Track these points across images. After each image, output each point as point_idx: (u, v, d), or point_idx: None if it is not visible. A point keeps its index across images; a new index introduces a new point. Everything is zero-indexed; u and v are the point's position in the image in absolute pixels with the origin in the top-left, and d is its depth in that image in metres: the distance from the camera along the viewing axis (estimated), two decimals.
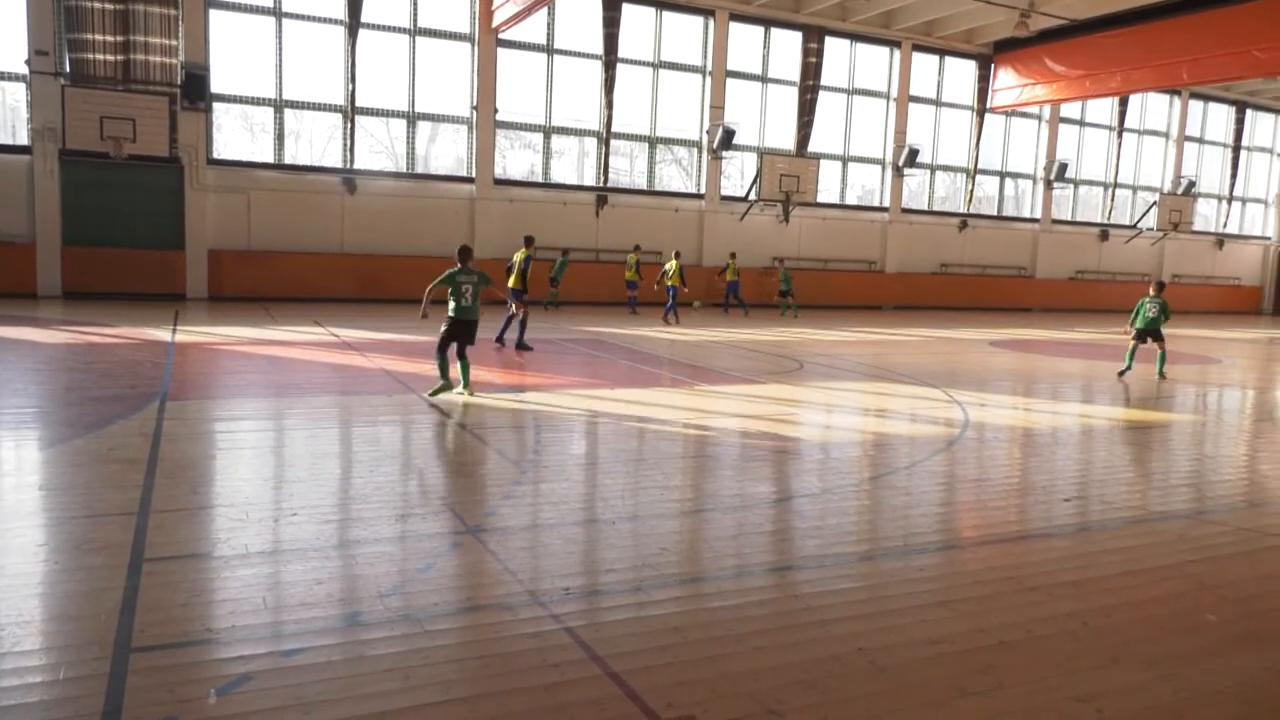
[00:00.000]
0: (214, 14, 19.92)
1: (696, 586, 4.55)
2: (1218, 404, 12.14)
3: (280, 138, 21.05)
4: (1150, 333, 13.55)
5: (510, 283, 13.84)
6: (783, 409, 9.92)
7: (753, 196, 25.24)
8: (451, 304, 9.38)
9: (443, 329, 9.44)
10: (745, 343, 16.39)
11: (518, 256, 13.98)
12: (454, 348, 9.45)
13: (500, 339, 14.13)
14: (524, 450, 7.30)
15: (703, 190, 25.27)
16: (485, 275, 9.62)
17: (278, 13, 20.38)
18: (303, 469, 6.65)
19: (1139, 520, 6.05)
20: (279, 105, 20.85)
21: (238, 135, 21.46)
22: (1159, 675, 3.71)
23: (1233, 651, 3.98)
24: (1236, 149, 33.73)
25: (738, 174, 26.34)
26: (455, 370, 9.55)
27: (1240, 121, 33.54)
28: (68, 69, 18.67)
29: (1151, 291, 13.95)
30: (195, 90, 19.40)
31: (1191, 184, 32.71)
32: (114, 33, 18.80)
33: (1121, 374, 13.60)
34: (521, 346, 13.72)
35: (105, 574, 4.32)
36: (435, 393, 9.29)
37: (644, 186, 24.95)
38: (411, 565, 4.62)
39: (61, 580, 4.29)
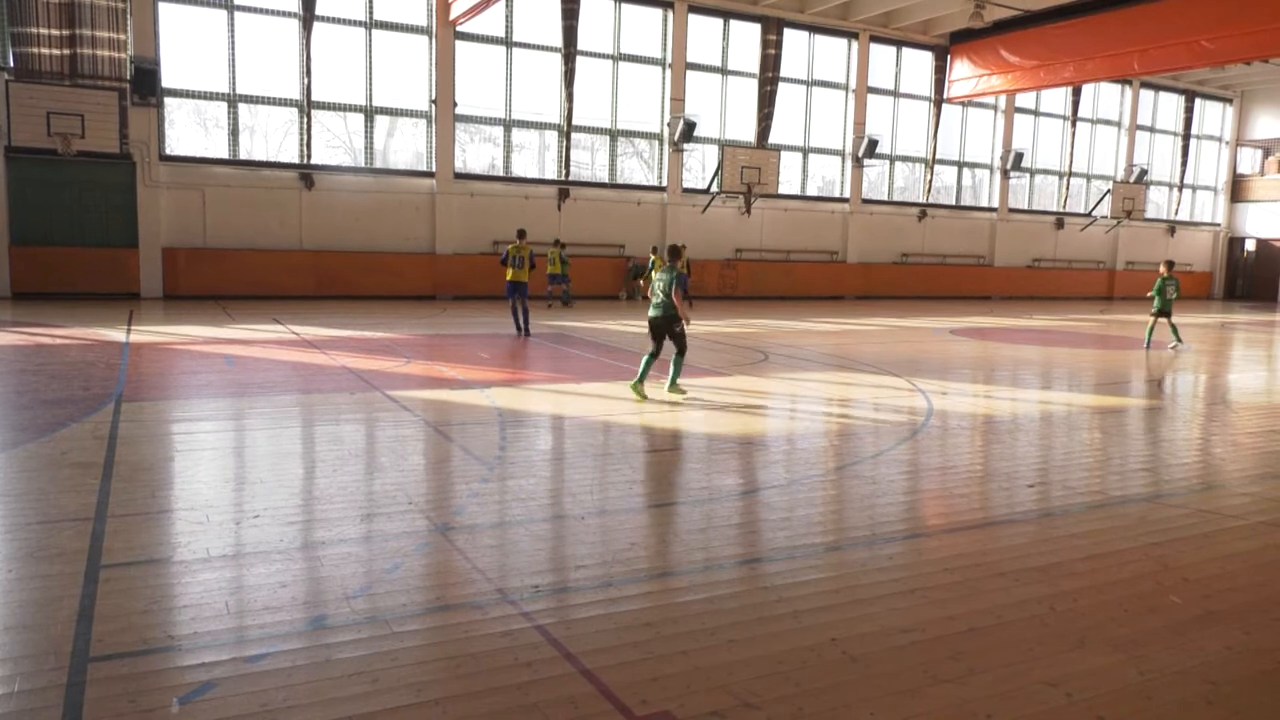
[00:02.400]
0: (163, 7, 19.51)
1: (667, 581, 4.53)
2: (1172, 388, 12.37)
3: (235, 133, 20.69)
4: (1167, 312, 15.65)
5: (515, 276, 15.04)
6: (748, 401, 9.94)
7: (714, 188, 25.26)
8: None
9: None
10: (709, 335, 16.42)
11: (521, 251, 15.15)
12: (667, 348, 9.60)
13: (527, 330, 15.24)
14: (490, 447, 7.24)
15: (664, 183, 25.25)
16: (678, 274, 9.33)
17: (229, 5, 20.02)
18: (265, 470, 6.53)
19: (1101, 505, 6.13)
20: (233, 100, 20.49)
21: (191, 131, 21.06)
22: (1126, 657, 3.76)
23: (1196, 632, 4.05)
24: (1186, 138, 34.40)
25: (699, 166, 26.37)
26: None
27: (1189, 110, 34.21)
28: (11, 63, 18.19)
29: (1165, 271, 15.78)
30: (145, 85, 18.99)
31: (1144, 172, 33.30)
32: (60, 26, 18.34)
33: (1148, 347, 15.86)
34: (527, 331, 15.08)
35: (61, 582, 4.21)
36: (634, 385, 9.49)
37: (606, 180, 24.88)
38: (378, 566, 4.56)
39: (15, 589, 4.17)
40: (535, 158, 24.46)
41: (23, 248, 18.81)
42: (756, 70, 25.74)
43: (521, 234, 15.45)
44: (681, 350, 9.53)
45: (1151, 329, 16.02)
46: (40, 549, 4.64)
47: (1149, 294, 16.24)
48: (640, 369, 9.49)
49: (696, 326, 17.70)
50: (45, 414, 7.94)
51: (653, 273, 20.18)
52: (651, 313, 9.50)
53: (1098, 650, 3.82)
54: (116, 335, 13.48)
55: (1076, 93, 31.25)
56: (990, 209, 30.90)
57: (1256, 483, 6.90)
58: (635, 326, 17.51)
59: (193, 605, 4.01)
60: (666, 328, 9.42)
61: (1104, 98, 32.79)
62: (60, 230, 19.17)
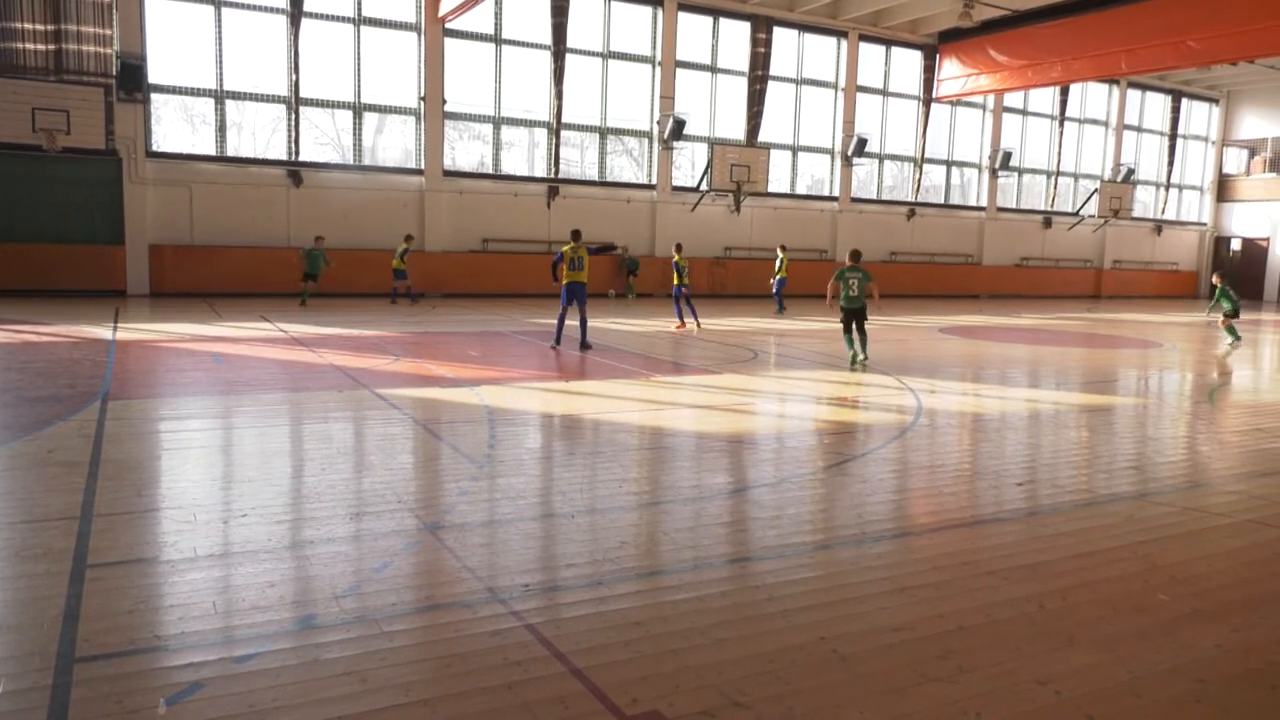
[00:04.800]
0: (150, 2, 19.37)
1: (656, 579, 4.53)
2: (1158, 387, 12.44)
3: (222, 129, 20.58)
4: (1237, 312, 16.98)
5: (580, 277, 13.09)
6: (738, 399, 9.94)
7: (704, 187, 25.27)
8: (842, 295, 12.26)
9: (840, 317, 12.39)
10: (700, 333, 16.41)
11: (577, 251, 13.08)
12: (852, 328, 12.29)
13: (585, 343, 13.35)
14: (479, 445, 7.22)
15: (654, 181, 25.24)
16: (868, 274, 12.30)
17: (216, 1, 19.89)
18: (252, 468, 6.50)
19: (1089, 503, 6.16)
20: (220, 96, 20.38)
21: (177, 127, 20.93)
22: (1114, 656, 3.77)
23: (1184, 630, 4.06)
24: (1173, 137, 34.57)
25: (688, 164, 26.36)
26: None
27: (1176, 110, 34.38)
28: None
29: (1219, 281, 17.21)
30: (132, 81, 18.86)
31: (1130, 172, 33.45)
32: (44, 21, 18.20)
33: (1233, 345, 16.70)
34: (584, 346, 13.27)
35: (46, 581, 4.17)
36: (861, 362, 12.13)
37: (595, 177, 24.85)
38: (367, 565, 4.54)
39: (0, 589, 4.13)
40: (524, 155, 24.42)
41: (7, 244, 18.67)
42: (746, 68, 25.76)
43: (576, 235, 13.32)
44: (864, 333, 12.29)
45: (1229, 328, 17.17)
46: (26, 548, 4.60)
47: (1215, 301, 17.55)
48: (850, 350, 12.19)
49: (686, 324, 17.71)
50: (30, 412, 7.87)
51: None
52: (847, 305, 12.21)
53: (1087, 648, 3.83)
54: (103, 333, 13.39)
55: (1064, 92, 31.36)
56: (979, 208, 30.99)
57: (1243, 480, 6.94)
58: (626, 324, 17.48)
59: (180, 605, 3.98)
60: (860, 316, 12.20)
61: (1091, 97, 32.93)
62: (46, 227, 19.03)
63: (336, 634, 3.73)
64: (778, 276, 21.83)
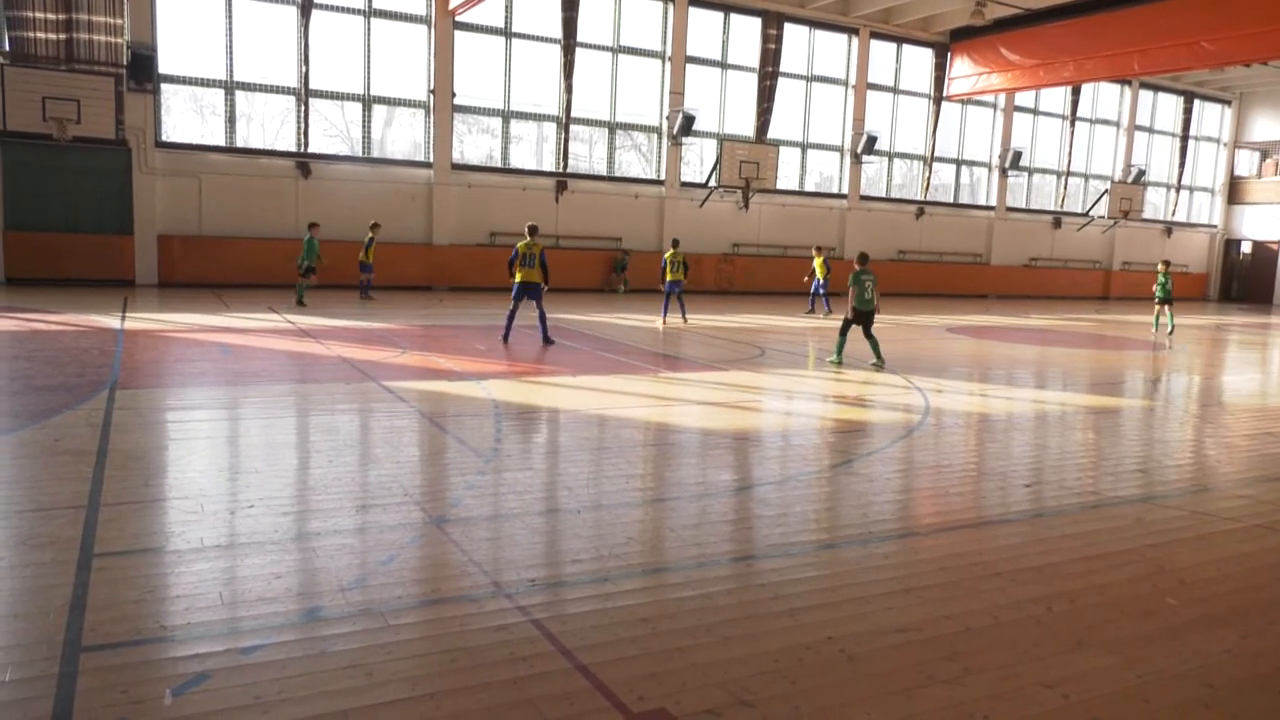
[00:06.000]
0: None
1: (663, 576, 4.52)
2: (1167, 389, 12.38)
3: (231, 120, 20.58)
4: (1168, 300, 18.74)
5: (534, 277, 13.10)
6: (745, 396, 9.92)
7: (712, 183, 25.22)
8: (856, 298, 12.06)
9: (846, 316, 12.23)
10: (708, 329, 16.40)
11: (532, 248, 13.11)
12: (857, 330, 12.25)
13: (547, 337, 13.30)
14: (486, 439, 7.21)
15: (663, 176, 25.20)
16: (874, 277, 12.15)
17: None
18: (259, 459, 6.50)
19: (1096, 505, 6.13)
20: (230, 87, 20.38)
21: (187, 117, 20.95)
22: (1123, 660, 3.75)
23: (1192, 634, 4.04)
24: (1185, 139, 34.40)
25: (697, 160, 26.31)
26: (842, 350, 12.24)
27: (1188, 112, 34.20)
28: (7, 48, 18.06)
29: (1162, 268, 18.96)
30: (142, 71, 18.88)
31: (1141, 173, 33.30)
32: (56, 10, 18.21)
33: (1156, 332, 18.92)
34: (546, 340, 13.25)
35: (53, 570, 4.18)
36: (833, 362, 12.16)
37: (604, 172, 24.82)
38: (373, 558, 4.53)
39: (6, 578, 4.14)
40: (533, 149, 24.39)
41: (17, 233, 18.71)
42: (756, 64, 25.68)
43: (533, 230, 13.37)
44: (873, 337, 12.20)
45: (1157, 316, 19.06)
46: (33, 537, 4.61)
47: (1154, 287, 19.36)
48: (839, 354, 12.15)
49: (693, 321, 17.69)
50: (39, 400, 7.89)
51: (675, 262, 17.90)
52: (862, 307, 12.01)
53: (1095, 652, 3.81)
54: (111, 322, 13.42)
55: (1076, 92, 31.22)
56: (988, 207, 30.88)
57: (1252, 485, 6.90)
58: (629, 320, 17.46)
59: (186, 595, 3.98)
60: (870, 320, 12.10)
61: (1103, 97, 32.77)
62: (55, 216, 19.06)
63: (342, 626, 3.73)
64: (820, 278, 20.74)
